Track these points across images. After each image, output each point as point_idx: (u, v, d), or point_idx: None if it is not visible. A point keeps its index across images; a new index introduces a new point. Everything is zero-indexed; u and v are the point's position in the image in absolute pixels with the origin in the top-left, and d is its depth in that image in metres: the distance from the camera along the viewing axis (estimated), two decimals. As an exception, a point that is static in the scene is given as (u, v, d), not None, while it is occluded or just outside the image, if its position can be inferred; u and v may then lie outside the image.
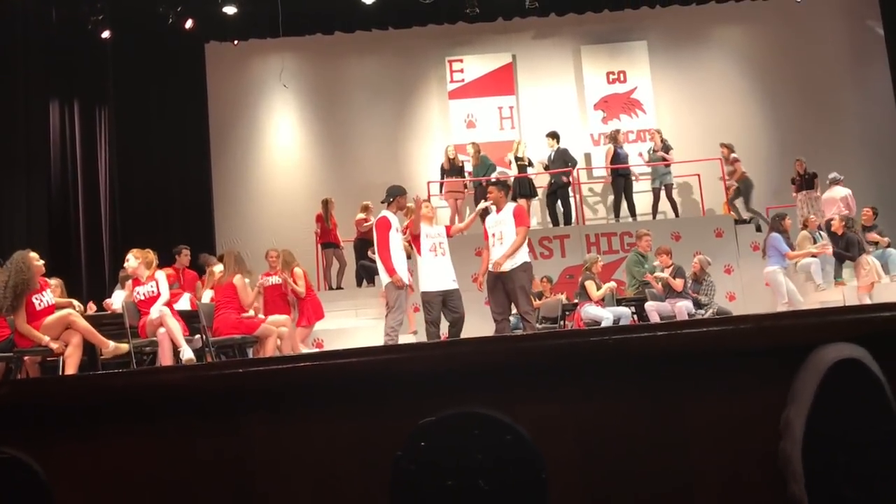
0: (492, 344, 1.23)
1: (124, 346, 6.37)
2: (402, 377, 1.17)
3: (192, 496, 1.17)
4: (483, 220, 7.36)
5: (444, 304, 6.81)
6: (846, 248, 9.41)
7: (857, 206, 10.82)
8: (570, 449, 1.14)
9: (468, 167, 12.42)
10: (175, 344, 6.57)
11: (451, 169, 12.24)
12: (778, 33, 13.98)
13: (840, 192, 10.92)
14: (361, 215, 11.28)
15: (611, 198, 12.78)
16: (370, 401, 1.17)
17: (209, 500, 1.17)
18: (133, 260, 7.06)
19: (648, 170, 12.75)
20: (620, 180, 12.10)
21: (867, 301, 8.98)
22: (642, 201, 12.56)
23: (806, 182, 11.91)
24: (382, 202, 7.22)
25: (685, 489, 1.14)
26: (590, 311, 8.93)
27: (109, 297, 8.95)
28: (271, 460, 1.17)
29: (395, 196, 7.09)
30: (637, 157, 13.01)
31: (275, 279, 8.56)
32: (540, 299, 9.65)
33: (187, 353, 6.49)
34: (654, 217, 12.24)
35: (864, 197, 12.17)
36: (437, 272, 6.88)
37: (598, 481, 1.14)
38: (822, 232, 10.48)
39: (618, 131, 12.63)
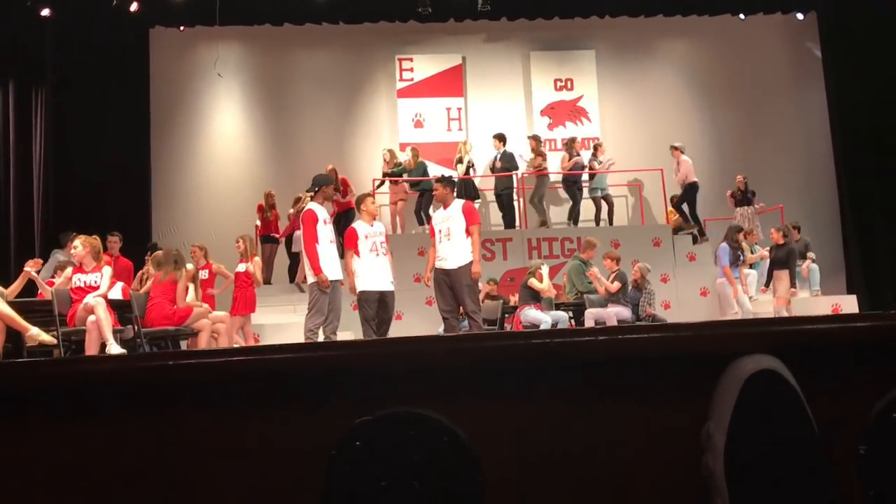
0: (432, 343, 1.22)
1: (46, 336, 6.15)
2: (339, 375, 1.15)
3: (118, 490, 1.13)
4: (429, 220, 7.32)
5: (378, 303, 6.71)
6: (786, 259, 9.60)
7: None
8: (506, 451, 1.14)
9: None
10: (103, 337, 6.37)
11: (392, 172, 12.21)
12: (722, 49, 14.32)
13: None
14: (292, 210, 11.05)
15: (558, 202, 12.93)
16: (306, 398, 1.15)
17: (135, 495, 1.13)
18: (80, 247, 6.88)
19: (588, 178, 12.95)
20: (574, 187, 12.24)
21: (785, 314, 9.26)
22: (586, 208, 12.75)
23: (745, 199, 12.22)
24: (307, 192, 6.99)
25: (619, 493, 1.14)
26: (529, 314, 9.00)
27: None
28: (200, 456, 1.14)
29: (321, 185, 6.83)
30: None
31: (203, 273, 8.62)
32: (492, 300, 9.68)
33: (114, 349, 6.29)
34: (598, 225, 12.38)
35: (796, 212, 12.58)
36: (376, 272, 6.77)
37: (534, 483, 1.14)
38: (757, 246, 10.79)
39: (574, 139, 12.73)
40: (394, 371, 1.15)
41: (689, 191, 11.95)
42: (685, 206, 12.03)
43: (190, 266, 8.13)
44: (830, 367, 1.15)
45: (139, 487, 1.14)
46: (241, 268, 8.59)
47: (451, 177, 8.08)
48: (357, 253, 6.78)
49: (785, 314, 9.20)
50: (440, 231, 6.81)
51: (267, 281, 11.53)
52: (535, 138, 12.44)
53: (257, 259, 8.76)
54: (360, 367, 1.15)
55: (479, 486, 1.09)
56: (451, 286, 6.64)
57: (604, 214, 12.43)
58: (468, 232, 6.67)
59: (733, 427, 1.06)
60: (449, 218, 6.79)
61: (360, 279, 6.76)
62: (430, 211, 11.91)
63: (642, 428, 1.15)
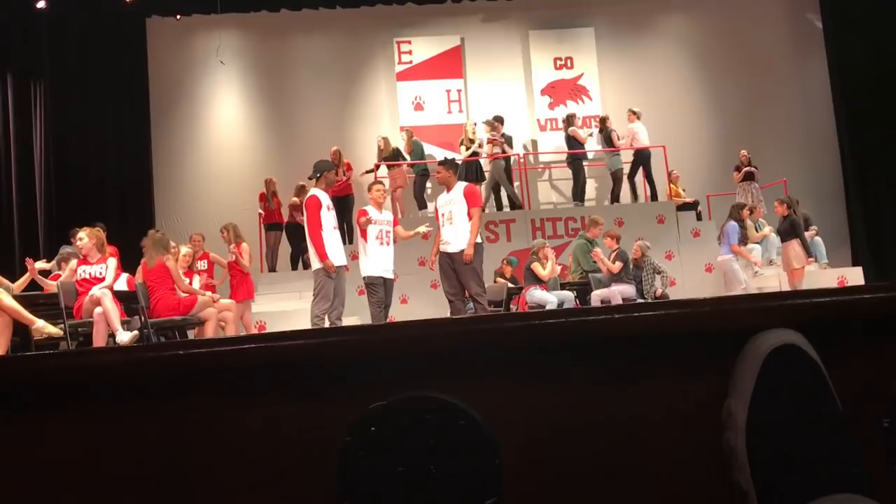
0: (445, 326, 1.20)
1: (52, 329, 6.16)
2: (352, 360, 1.13)
3: (127, 482, 1.12)
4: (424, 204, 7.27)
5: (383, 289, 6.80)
6: (790, 230, 9.45)
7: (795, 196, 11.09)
8: (524, 433, 1.12)
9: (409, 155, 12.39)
10: (111, 328, 6.39)
11: (389, 157, 12.15)
12: (721, 23, 14.22)
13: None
14: (295, 199, 10.99)
15: (561, 182, 12.88)
16: (318, 385, 1.13)
17: (144, 486, 1.12)
18: (86, 238, 6.90)
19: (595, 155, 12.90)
20: (579, 164, 12.16)
21: (801, 287, 9.21)
22: (589, 187, 12.72)
23: (747, 173, 12.15)
24: (310, 178, 6.98)
25: (639, 473, 1.13)
26: (535, 294, 8.99)
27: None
28: (213, 447, 1.13)
29: (323, 171, 6.78)
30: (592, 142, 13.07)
31: (201, 263, 8.82)
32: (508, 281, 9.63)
33: (123, 337, 6.32)
34: (613, 202, 12.31)
35: (799, 186, 12.53)
36: (380, 261, 6.82)
37: (552, 465, 1.12)
38: (763, 220, 10.76)
39: (574, 115, 12.63)
40: (407, 355, 1.13)
41: (640, 160, 11.90)
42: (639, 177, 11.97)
43: (185, 249, 8.15)
44: (852, 340, 1.13)
45: (150, 479, 1.12)
46: (232, 256, 8.70)
47: (453, 159, 8.03)
48: (365, 235, 6.82)
49: (802, 287, 9.16)
50: (443, 215, 6.81)
51: (272, 268, 11.55)
52: (490, 123, 12.19)
53: (244, 245, 8.78)
54: (373, 351, 1.14)
55: (497, 469, 1.07)
56: (455, 269, 6.63)
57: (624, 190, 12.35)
58: (470, 215, 6.64)
59: (755, 403, 1.04)
60: (451, 202, 6.78)
61: (365, 265, 6.80)
62: (425, 194, 11.92)
63: (661, 406, 1.13)
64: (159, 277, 7.03)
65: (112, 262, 6.92)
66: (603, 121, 12.41)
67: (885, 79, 13.01)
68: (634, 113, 12.15)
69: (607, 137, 12.19)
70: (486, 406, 1.10)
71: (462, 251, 6.59)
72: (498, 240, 11.19)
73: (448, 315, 7.18)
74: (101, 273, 6.78)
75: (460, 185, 6.89)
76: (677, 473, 1.13)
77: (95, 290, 6.51)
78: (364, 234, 6.86)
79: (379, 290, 6.74)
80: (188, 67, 13.63)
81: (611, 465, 1.12)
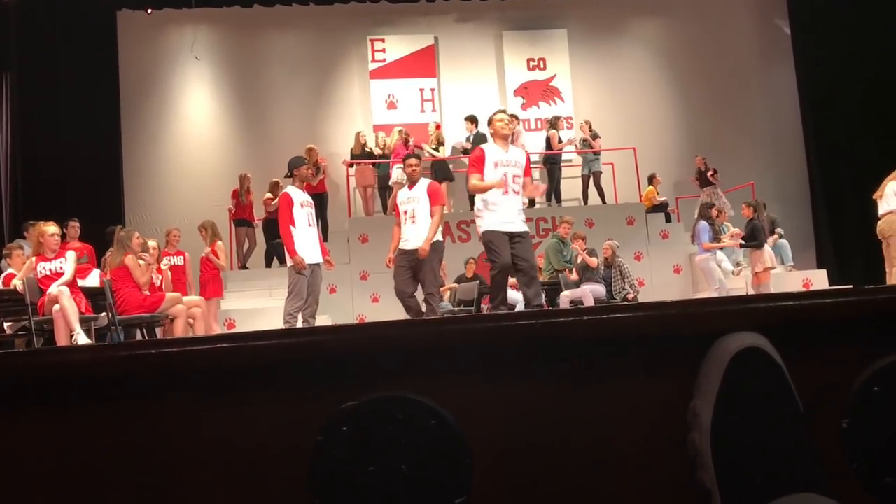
0: (417, 327, 1.21)
1: None
2: (323, 360, 1.14)
3: (101, 485, 1.11)
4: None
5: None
6: (751, 235, 9.61)
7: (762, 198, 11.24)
8: (494, 432, 1.14)
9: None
10: (69, 326, 6.23)
11: (361, 154, 12.13)
12: (691, 27, 14.38)
13: None
14: (269, 195, 10.95)
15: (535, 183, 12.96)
16: (290, 385, 1.14)
17: (119, 489, 1.11)
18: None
19: (573, 158, 12.97)
20: (555, 165, 12.26)
21: (767, 290, 9.34)
22: (567, 187, 12.77)
23: (704, 179, 12.29)
24: (286, 177, 6.93)
25: (607, 473, 1.15)
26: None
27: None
28: (184, 447, 1.12)
29: (294, 168, 6.75)
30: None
31: (177, 259, 8.57)
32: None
33: (81, 339, 6.18)
34: (585, 203, 12.42)
35: (766, 189, 12.70)
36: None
37: (522, 464, 1.14)
38: (728, 224, 10.89)
39: (558, 118, 12.73)
40: (379, 356, 1.14)
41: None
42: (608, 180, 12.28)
43: (153, 243, 8.05)
44: (815, 343, 1.16)
45: (123, 478, 1.12)
46: (207, 252, 8.69)
47: (420, 154, 7.90)
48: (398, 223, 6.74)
49: (769, 290, 9.29)
50: (405, 212, 6.65)
51: (243, 266, 11.47)
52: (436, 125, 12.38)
53: (220, 244, 8.78)
54: (345, 352, 1.14)
55: (467, 468, 1.09)
56: (414, 267, 6.51)
57: (593, 192, 12.49)
58: (432, 213, 6.56)
59: (720, 405, 1.07)
60: (414, 199, 6.64)
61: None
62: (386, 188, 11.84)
63: (628, 406, 1.15)
64: (125, 275, 6.96)
65: (71, 255, 6.76)
66: (589, 123, 12.55)
67: (851, 84, 13.23)
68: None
69: (592, 139, 12.34)
70: (458, 406, 1.12)
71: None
72: (470, 239, 11.22)
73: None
74: (60, 268, 6.65)
75: (424, 182, 6.78)
76: (644, 472, 1.15)
77: (53, 288, 6.37)
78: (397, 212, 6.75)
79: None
80: (159, 62, 13.48)
81: (580, 465, 1.14)
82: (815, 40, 13.73)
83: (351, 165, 12.29)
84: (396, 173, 11.75)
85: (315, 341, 1.15)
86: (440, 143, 12.18)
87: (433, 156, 11.99)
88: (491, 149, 5.96)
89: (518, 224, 5.85)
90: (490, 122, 6.09)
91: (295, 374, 1.14)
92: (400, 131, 12.22)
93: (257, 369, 1.13)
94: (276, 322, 7.10)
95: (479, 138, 12.16)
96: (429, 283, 6.49)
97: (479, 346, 1.14)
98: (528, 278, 5.82)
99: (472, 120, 12.31)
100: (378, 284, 10.37)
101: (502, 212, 5.80)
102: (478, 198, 6.02)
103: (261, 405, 1.14)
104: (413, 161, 6.88)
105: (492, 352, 1.14)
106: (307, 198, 6.76)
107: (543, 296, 9.26)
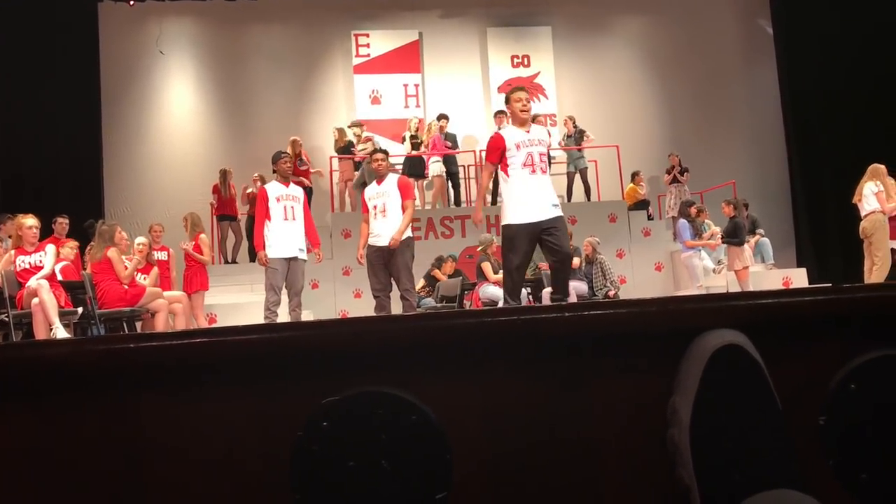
0: (399, 322, 1.21)
1: None
2: (304, 355, 1.13)
3: (79, 479, 1.10)
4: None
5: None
6: (733, 233, 9.67)
7: (743, 197, 11.32)
8: (475, 428, 1.14)
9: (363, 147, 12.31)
10: (48, 320, 6.18)
11: (343, 149, 12.09)
12: (675, 26, 14.44)
13: None
14: (251, 189, 10.89)
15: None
16: (271, 380, 1.13)
17: (95, 484, 1.11)
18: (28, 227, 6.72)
19: (557, 155, 12.98)
20: None
21: (747, 288, 9.40)
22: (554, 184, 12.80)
23: (674, 176, 12.37)
24: (274, 172, 6.89)
25: (588, 468, 1.15)
26: (488, 290, 9.04)
27: None
28: (163, 441, 1.12)
29: (273, 163, 6.80)
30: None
31: (161, 254, 8.59)
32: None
33: (60, 332, 6.12)
34: (569, 200, 12.44)
35: (748, 188, 12.80)
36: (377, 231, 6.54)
37: (503, 460, 1.14)
38: (709, 222, 10.94)
39: (535, 116, 12.70)
40: (360, 351, 1.13)
41: None
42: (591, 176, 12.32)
43: (141, 239, 8.00)
44: (793, 340, 1.17)
45: (102, 472, 1.11)
46: (188, 246, 8.64)
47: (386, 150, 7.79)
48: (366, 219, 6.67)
49: (748, 288, 9.35)
50: (375, 207, 6.57)
51: (227, 260, 11.42)
52: (358, 124, 12.36)
53: (203, 237, 8.74)
54: (326, 347, 1.14)
55: (448, 464, 1.09)
56: (387, 264, 6.48)
57: (579, 189, 12.53)
58: (404, 207, 6.51)
59: (699, 401, 1.07)
60: (383, 194, 6.57)
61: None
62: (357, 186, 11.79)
63: (608, 402, 1.16)
64: (107, 268, 6.91)
65: (51, 248, 6.71)
66: (573, 119, 12.56)
67: (832, 84, 13.35)
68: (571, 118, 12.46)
69: (578, 137, 12.33)
70: (439, 402, 1.12)
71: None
72: (453, 235, 11.22)
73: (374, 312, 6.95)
74: (39, 261, 6.59)
75: (393, 177, 6.75)
76: (623, 468, 1.15)
77: (32, 282, 6.31)
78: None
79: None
80: (141, 55, 13.35)
81: (559, 460, 1.15)
82: (797, 40, 13.84)
83: (330, 160, 12.21)
84: (435, 167, 11.73)
85: (296, 336, 1.15)
86: (420, 139, 12.14)
87: (451, 148, 11.97)
88: (509, 132, 5.44)
89: (548, 210, 5.30)
90: (507, 101, 5.56)
91: (276, 369, 1.13)
92: (439, 126, 12.02)
93: (238, 364, 1.13)
94: (257, 317, 7.06)
95: (452, 137, 12.12)
96: (403, 280, 6.43)
97: (461, 342, 1.14)
98: (559, 273, 5.45)
99: (444, 118, 12.19)
100: (360, 280, 10.29)
101: (530, 198, 5.29)
102: (502, 184, 5.56)
103: (241, 400, 1.13)
104: (380, 156, 6.82)
105: (473, 348, 1.14)
106: (286, 191, 6.70)
107: (526, 291, 9.30)
